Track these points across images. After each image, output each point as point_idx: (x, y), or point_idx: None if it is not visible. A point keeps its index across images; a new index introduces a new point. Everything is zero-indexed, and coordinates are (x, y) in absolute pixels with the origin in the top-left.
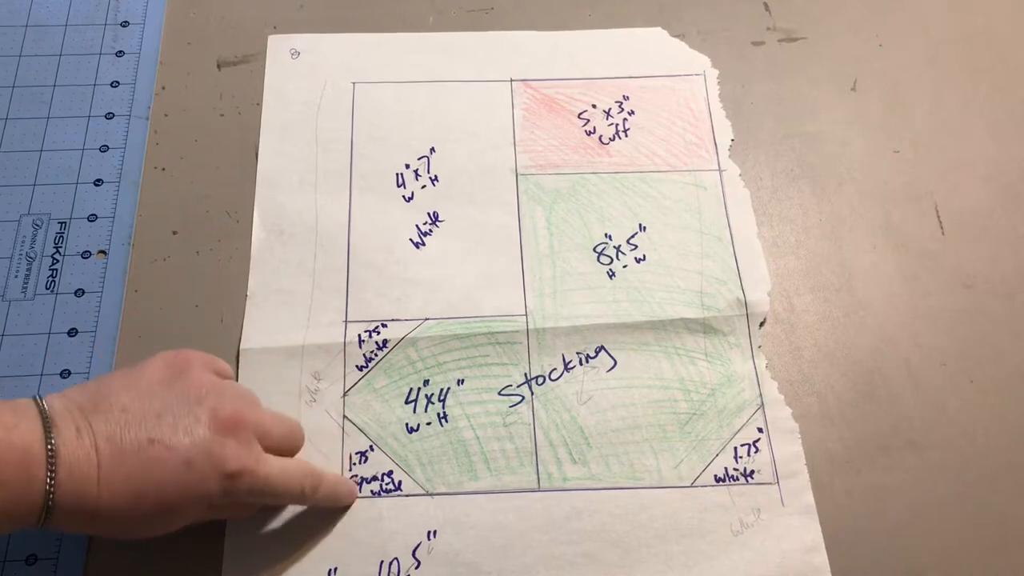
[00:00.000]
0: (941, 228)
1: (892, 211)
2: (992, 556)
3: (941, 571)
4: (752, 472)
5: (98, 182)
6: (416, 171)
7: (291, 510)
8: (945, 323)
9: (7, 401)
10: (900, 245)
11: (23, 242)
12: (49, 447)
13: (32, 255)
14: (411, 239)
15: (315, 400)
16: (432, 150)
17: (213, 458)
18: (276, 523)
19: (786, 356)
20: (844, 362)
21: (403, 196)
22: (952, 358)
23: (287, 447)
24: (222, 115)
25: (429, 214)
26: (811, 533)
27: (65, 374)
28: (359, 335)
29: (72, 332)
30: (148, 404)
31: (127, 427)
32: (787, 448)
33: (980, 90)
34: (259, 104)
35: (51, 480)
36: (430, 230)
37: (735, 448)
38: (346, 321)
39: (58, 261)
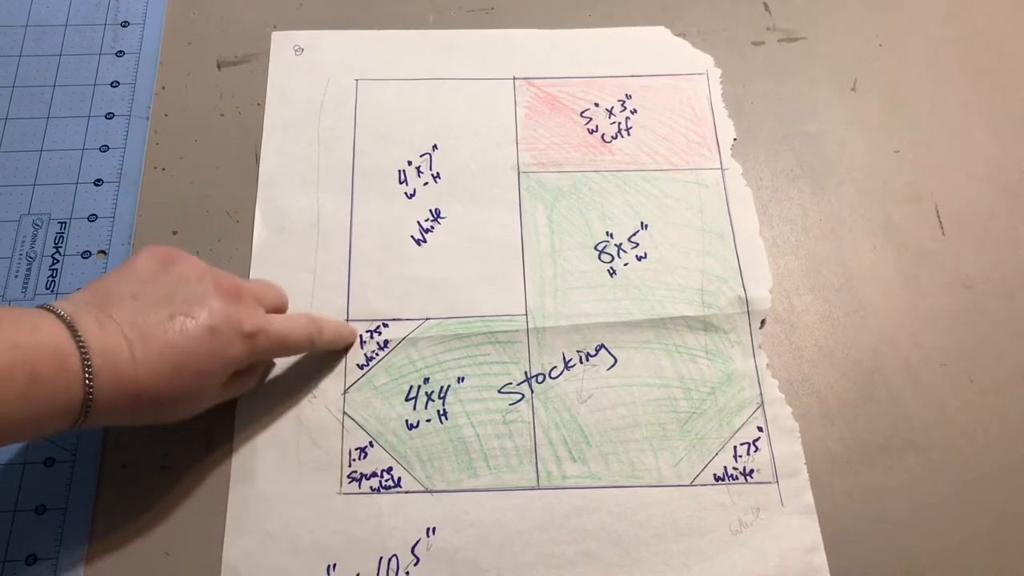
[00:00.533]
0: (941, 228)
1: (892, 211)
2: (992, 556)
3: (941, 571)
4: (752, 471)
5: (98, 182)
6: (418, 168)
7: (289, 507)
8: (945, 323)
9: (17, 308)
10: (900, 245)
11: (23, 242)
12: (79, 340)
13: (32, 255)
14: (412, 236)
15: (315, 397)
16: (434, 147)
17: (231, 322)
18: (275, 520)
19: (786, 356)
20: (844, 362)
21: (405, 193)
22: (952, 358)
23: (279, 308)
24: (222, 115)
25: (431, 211)
26: (810, 533)
27: None
28: (360, 335)
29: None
30: (155, 289)
31: (144, 310)
32: (787, 447)
33: (980, 90)
34: (259, 104)
35: (88, 369)
36: (432, 227)
37: (735, 447)
38: (347, 320)
39: (58, 261)
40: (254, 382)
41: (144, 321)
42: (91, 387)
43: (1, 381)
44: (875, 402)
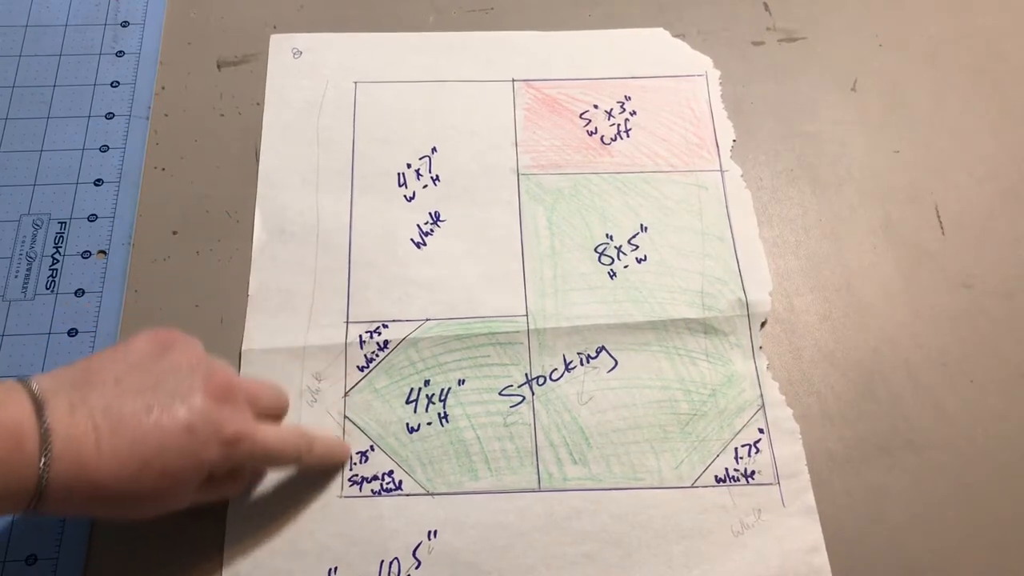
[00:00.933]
0: (941, 228)
1: (892, 211)
2: (992, 556)
3: (941, 571)
4: (753, 473)
5: (98, 182)
6: (417, 171)
7: (291, 510)
8: (945, 323)
9: None
10: (900, 245)
11: (23, 242)
12: (43, 422)
13: (32, 255)
14: (412, 239)
15: (316, 400)
16: (434, 150)
17: (212, 423)
18: (276, 523)
19: (786, 356)
20: (844, 362)
21: (404, 196)
22: (952, 358)
23: (275, 412)
24: (222, 115)
25: (430, 214)
26: (812, 534)
27: None
28: (360, 336)
29: (72, 332)
30: (141, 376)
31: (123, 397)
32: (788, 449)
33: (980, 90)
34: (259, 104)
35: (46, 455)
36: (431, 230)
37: (736, 449)
38: (347, 322)
39: (58, 261)
40: (237, 489)
41: (119, 410)
42: (45, 474)
43: None
44: (875, 402)
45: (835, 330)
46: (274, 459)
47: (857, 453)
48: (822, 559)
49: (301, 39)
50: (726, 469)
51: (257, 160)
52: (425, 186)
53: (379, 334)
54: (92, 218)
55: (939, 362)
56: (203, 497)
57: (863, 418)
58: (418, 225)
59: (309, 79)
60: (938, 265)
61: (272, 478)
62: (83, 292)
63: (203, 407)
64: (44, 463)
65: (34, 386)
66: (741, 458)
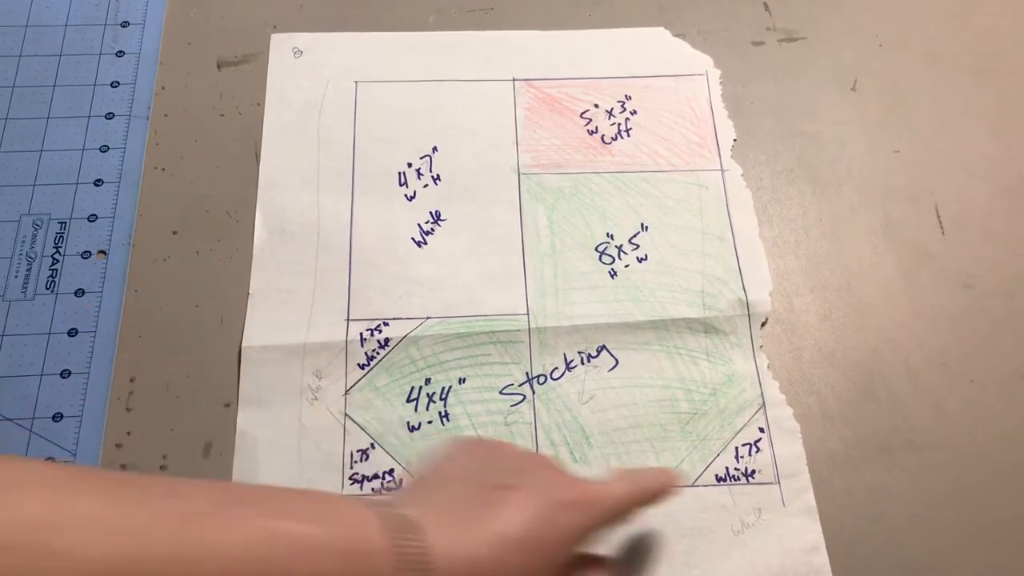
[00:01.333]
0: (941, 228)
1: (892, 211)
2: (992, 556)
3: (941, 571)
4: (753, 472)
5: (98, 182)
6: (418, 170)
7: None
8: (945, 323)
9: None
10: (900, 245)
11: (23, 242)
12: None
13: (32, 255)
14: (413, 238)
15: (317, 398)
16: (434, 149)
17: (550, 493)
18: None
19: (786, 356)
20: (844, 362)
21: (405, 195)
22: (952, 358)
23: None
24: (222, 115)
25: (431, 213)
26: (812, 533)
27: (65, 374)
28: (360, 333)
29: (72, 332)
30: (472, 472)
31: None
32: (788, 448)
33: (980, 90)
34: (259, 104)
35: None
36: (432, 229)
37: (736, 448)
38: (348, 319)
39: (58, 261)
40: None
41: (465, 496)
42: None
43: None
44: (875, 402)
45: (835, 330)
46: (622, 507)
47: (857, 453)
48: (822, 559)
49: (301, 39)
50: (726, 468)
51: (257, 160)
52: (426, 185)
53: (379, 332)
54: (92, 218)
55: (939, 362)
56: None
57: (863, 418)
58: (419, 224)
59: (309, 79)
60: (938, 265)
61: (273, 475)
62: (83, 292)
63: (543, 474)
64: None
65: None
66: (741, 457)
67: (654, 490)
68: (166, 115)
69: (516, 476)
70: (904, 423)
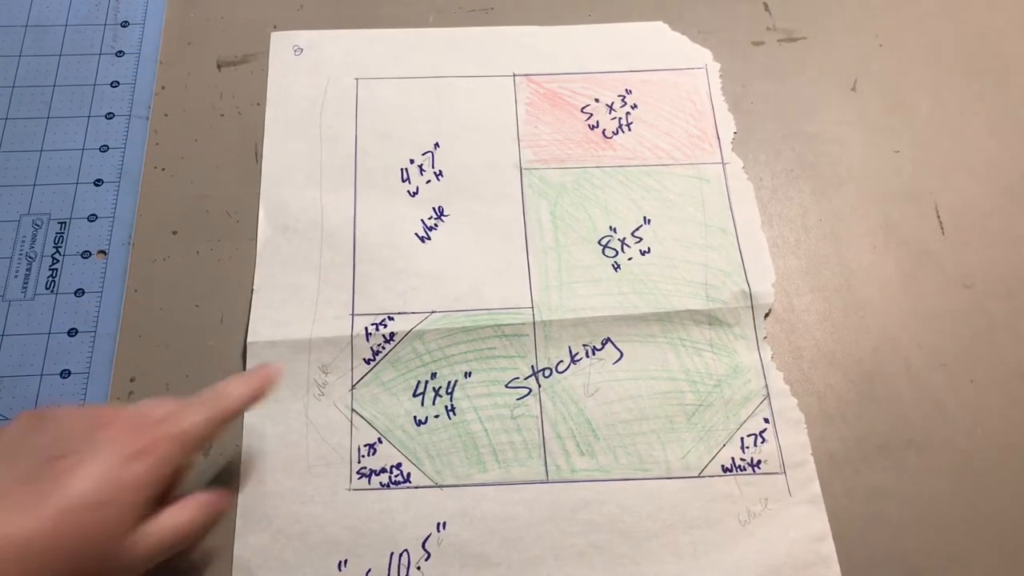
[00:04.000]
0: (941, 228)
1: (892, 211)
2: (992, 556)
3: (941, 571)
4: (759, 462)
5: (98, 182)
6: (420, 166)
7: (299, 504)
8: (945, 323)
9: None
10: (900, 245)
11: (23, 242)
12: None
13: (32, 255)
14: (416, 234)
15: (323, 393)
16: (436, 145)
17: (115, 441)
18: (286, 517)
19: (786, 356)
20: (844, 362)
21: (408, 191)
22: (952, 358)
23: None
24: (222, 115)
25: (434, 209)
26: (818, 522)
27: (65, 374)
28: (366, 328)
29: (72, 332)
30: (18, 448)
31: (15, 467)
32: (793, 438)
33: (980, 90)
34: (259, 104)
35: None
36: (435, 225)
37: (742, 438)
38: (353, 314)
39: (58, 261)
40: (188, 518)
41: (16, 472)
42: None
43: None
44: (875, 402)
45: (835, 330)
46: (192, 436)
47: (857, 453)
48: (829, 547)
49: (302, 36)
50: (732, 459)
51: (257, 160)
52: (428, 181)
53: (385, 326)
54: (92, 218)
55: (939, 362)
56: (166, 537)
57: (863, 418)
58: (422, 220)
59: (311, 76)
60: (938, 265)
61: (280, 471)
62: (83, 292)
63: (114, 428)
64: None
65: None
66: (747, 448)
67: (234, 407)
68: (166, 115)
69: (76, 443)
70: (904, 423)
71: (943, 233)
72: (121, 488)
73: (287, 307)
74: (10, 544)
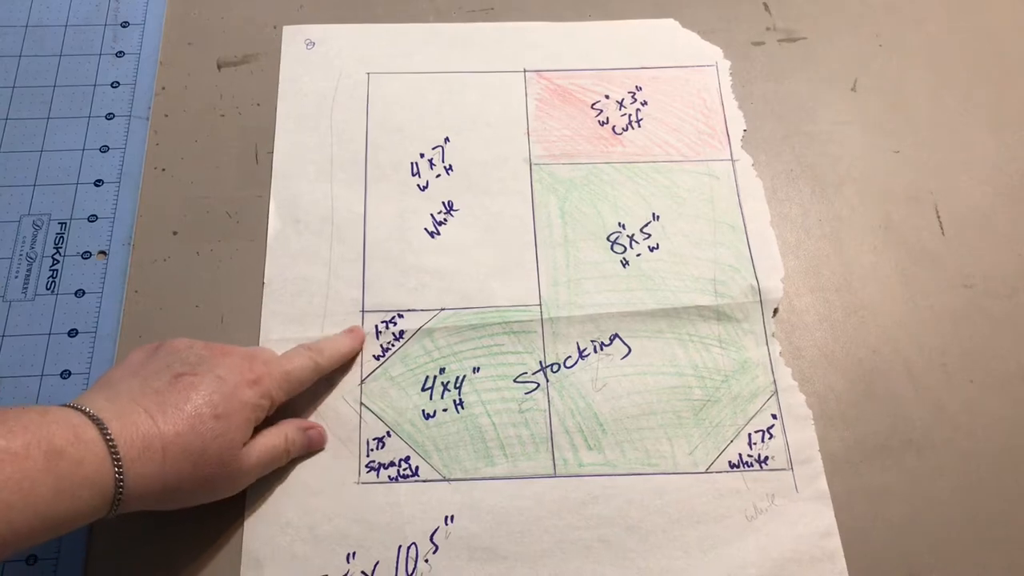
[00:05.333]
0: (941, 228)
1: (892, 211)
2: (992, 556)
3: (941, 571)
4: (766, 458)
5: (98, 182)
6: (431, 160)
7: (309, 497)
8: (945, 323)
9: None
10: (900, 245)
11: (23, 242)
12: (87, 412)
13: (32, 255)
14: (426, 228)
15: (332, 387)
16: (446, 140)
17: (234, 369)
18: (295, 509)
19: (786, 356)
20: (844, 362)
21: (418, 186)
22: (952, 358)
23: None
24: (222, 115)
25: (444, 203)
26: (825, 519)
27: (65, 374)
28: (376, 326)
29: (72, 333)
30: (151, 366)
31: (148, 381)
32: (801, 434)
33: (980, 90)
34: (260, 104)
35: (107, 432)
36: (445, 219)
37: (749, 434)
38: (363, 311)
39: (58, 261)
40: (283, 444)
41: (152, 387)
42: (113, 444)
43: (21, 461)
44: (875, 402)
45: (835, 330)
46: (296, 378)
47: (857, 453)
48: (835, 543)
49: (314, 30)
50: (740, 455)
51: (257, 161)
52: (438, 176)
53: (395, 324)
54: (92, 218)
55: (939, 362)
56: (262, 460)
57: (863, 418)
58: (432, 215)
59: (322, 70)
60: (938, 265)
61: (289, 463)
62: (83, 292)
63: (220, 361)
64: (108, 437)
65: (81, 405)
66: (755, 444)
67: (333, 360)
68: (166, 115)
69: (196, 365)
70: (904, 423)
71: (943, 233)
72: (236, 406)
73: (298, 302)
74: (156, 436)
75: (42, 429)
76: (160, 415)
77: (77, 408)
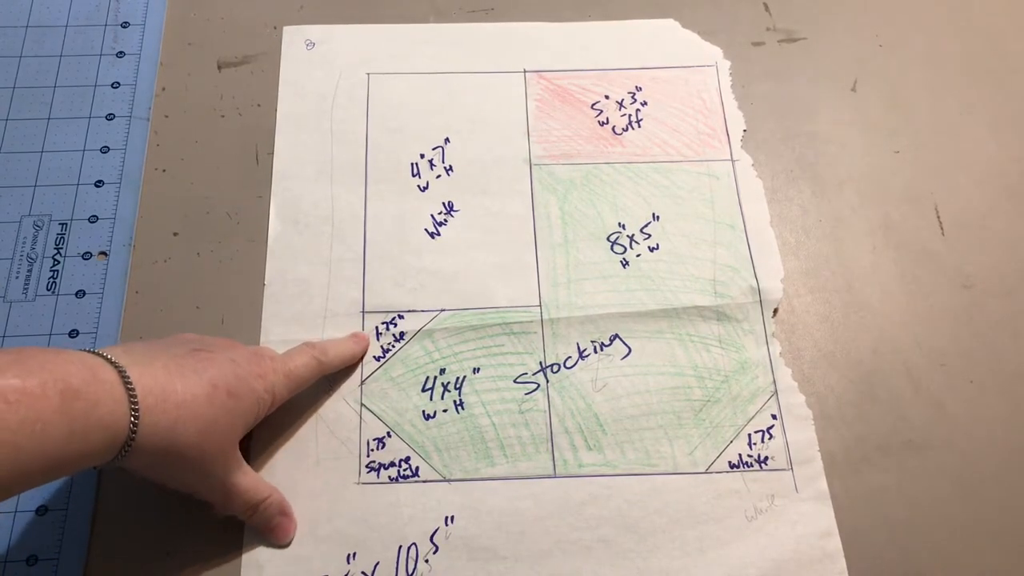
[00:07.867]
0: (941, 228)
1: (892, 211)
2: (992, 556)
3: (941, 571)
4: (766, 458)
5: (99, 183)
6: (431, 161)
7: (309, 497)
8: (945, 323)
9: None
10: (900, 245)
11: (24, 243)
12: (104, 356)
13: (33, 256)
14: (426, 229)
15: (333, 388)
16: (447, 140)
17: (249, 359)
18: (295, 510)
19: (786, 356)
20: (844, 362)
21: (418, 186)
22: (952, 358)
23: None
24: (222, 116)
25: (444, 204)
26: (825, 519)
27: None
28: (376, 327)
29: (73, 333)
30: (177, 343)
31: (171, 349)
32: (801, 434)
33: (980, 90)
34: (260, 105)
35: (125, 375)
36: (445, 220)
37: (749, 435)
38: (363, 312)
39: (59, 262)
40: (265, 496)
41: (171, 352)
42: (132, 387)
43: (37, 402)
44: (875, 402)
45: (835, 330)
46: (299, 376)
47: (857, 453)
48: (835, 544)
49: (314, 30)
50: (739, 455)
51: (257, 161)
52: (438, 176)
53: (395, 325)
54: (93, 219)
55: (939, 362)
56: (247, 486)
57: (863, 418)
58: (432, 215)
59: (322, 70)
60: (938, 265)
61: (289, 464)
62: (84, 293)
63: (241, 349)
64: (126, 377)
65: (100, 351)
66: (754, 444)
67: (335, 362)
68: (166, 116)
69: (213, 347)
70: (904, 423)
71: (943, 233)
72: (247, 390)
73: (298, 302)
74: (173, 392)
75: (59, 368)
76: (179, 376)
77: (95, 352)
